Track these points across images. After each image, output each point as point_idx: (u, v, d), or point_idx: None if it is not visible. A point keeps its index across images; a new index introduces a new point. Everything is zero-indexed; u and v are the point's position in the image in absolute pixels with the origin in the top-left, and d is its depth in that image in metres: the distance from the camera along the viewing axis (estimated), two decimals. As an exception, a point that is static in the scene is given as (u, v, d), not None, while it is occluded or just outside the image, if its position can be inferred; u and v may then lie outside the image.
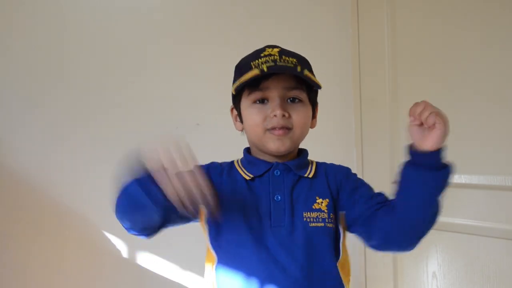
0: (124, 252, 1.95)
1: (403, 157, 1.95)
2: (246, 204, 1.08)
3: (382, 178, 1.98)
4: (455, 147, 1.64)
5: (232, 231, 1.06)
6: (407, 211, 1.01)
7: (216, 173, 1.12)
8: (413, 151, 0.99)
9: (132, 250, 1.96)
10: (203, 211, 1.08)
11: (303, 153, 1.18)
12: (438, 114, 0.93)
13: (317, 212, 1.07)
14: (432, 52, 1.95)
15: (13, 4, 1.85)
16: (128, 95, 1.99)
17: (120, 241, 1.95)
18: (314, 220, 1.07)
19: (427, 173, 0.96)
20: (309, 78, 1.05)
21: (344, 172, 1.17)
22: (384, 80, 2.13)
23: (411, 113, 0.96)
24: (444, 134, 0.94)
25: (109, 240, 1.93)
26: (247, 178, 1.11)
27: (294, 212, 1.07)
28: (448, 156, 1.77)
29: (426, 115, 0.93)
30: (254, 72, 1.03)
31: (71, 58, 1.92)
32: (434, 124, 0.92)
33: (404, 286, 2.05)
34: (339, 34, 2.27)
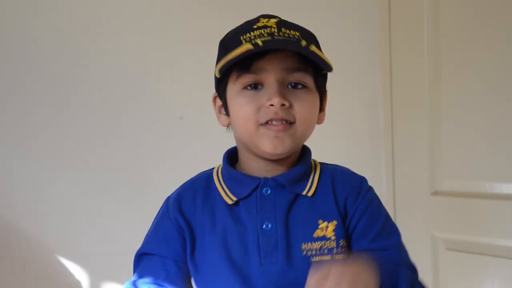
0: (85, 284, 1.82)
1: (444, 162, 1.95)
2: (228, 236, 0.95)
3: (419, 186, 1.95)
4: (505, 153, 1.72)
5: (213, 272, 0.94)
6: None
7: (188, 201, 0.99)
8: None
9: (95, 281, 1.84)
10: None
11: (304, 156, 1.02)
12: None
13: (321, 241, 0.93)
14: (482, 43, 1.79)
15: None
16: (98, 86, 1.88)
17: (79, 269, 1.81)
18: (317, 253, 0.92)
19: None
20: (317, 56, 0.89)
21: (356, 183, 1.02)
22: (423, 66, 1.94)
23: None
24: None
25: (66, 268, 1.78)
26: (229, 202, 0.96)
27: (289, 244, 0.93)
28: (503, 162, 1.75)
29: None
30: (246, 47, 0.87)
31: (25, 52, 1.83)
32: None
33: None
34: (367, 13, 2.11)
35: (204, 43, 1.70)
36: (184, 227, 0.97)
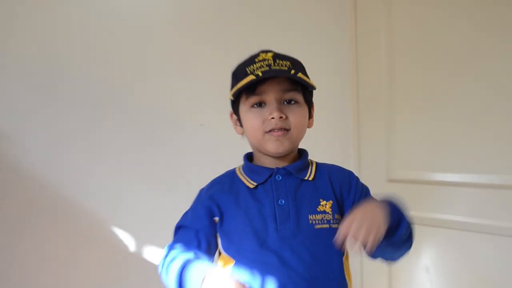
0: (132, 247, 1.96)
1: (398, 157, 2.01)
2: (250, 211, 1.09)
3: (378, 175, 2.16)
4: (448, 145, 1.88)
5: (240, 238, 1.06)
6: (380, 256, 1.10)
7: (218, 190, 1.13)
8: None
9: (139, 245, 1.98)
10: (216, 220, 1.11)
11: (303, 154, 1.18)
12: (365, 235, 0.92)
13: (322, 214, 1.08)
14: (428, 55, 1.97)
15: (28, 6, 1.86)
16: (137, 97, 2.01)
17: (127, 236, 1.96)
18: (319, 222, 1.07)
19: (383, 242, 0.98)
20: (303, 80, 1.05)
21: (347, 175, 1.18)
22: (381, 81, 2.16)
23: (339, 231, 0.95)
24: (376, 240, 0.93)
25: (117, 236, 1.94)
26: (251, 186, 1.11)
27: (299, 215, 1.07)
28: (441, 155, 1.86)
29: (353, 240, 0.93)
30: (250, 78, 1.04)
31: (81, 61, 1.93)
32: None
33: (398, 280, 2.08)
34: (337, 38, 2.30)
35: (221, 66, 1.80)
36: (214, 209, 1.10)
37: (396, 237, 1.02)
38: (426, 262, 1.97)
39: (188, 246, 1.06)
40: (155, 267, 1.83)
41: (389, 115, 2.14)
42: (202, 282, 0.91)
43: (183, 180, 2.02)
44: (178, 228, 1.14)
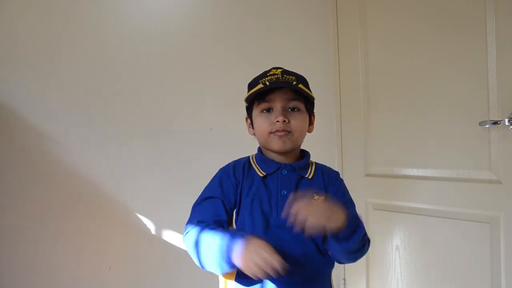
0: (153, 230, 2.03)
1: (374, 155, 2.11)
2: (261, 195, 1.15)
3: (357, 171, 2.30)
4: (414, 145, 1.96)
5: (250, 216, 1.12)
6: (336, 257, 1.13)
7: (239, 171, 1.20)
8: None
9: (159, 229, 2.04)
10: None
11: (306, 155, 1.23)
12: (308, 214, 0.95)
13: None
14: (397, 73, 2.06)
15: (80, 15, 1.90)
16: (158, 107, 2.05)
17: (149, 221, 2.02)
18: None
19: (337, 244, 1.05)
20: (303, 90, 1.11)
21: (334, 176, 1.24)
22: (359, 95, 2.26)
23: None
24: (320, 222, 0.96)
25: (140, 220, 2.00)
26: (261, 175, 1.18)
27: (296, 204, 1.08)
28: (408, 153, 1.99)
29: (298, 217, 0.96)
30: (259, 86, 1.12)
31: (113, 77, 1.97)
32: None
33: (374, 257, 2.16)
34: (324, 54, 2.41)
35: (230, 75, 2.11)
36: (237, 186, 1.17)
37: (349, 243, 1.05)
38: (397, 242, 2.07)
39: (214, 212, 1.12)
40: (172, 247, 1.97)
41: (366, 119, 2.22)
42: (237, 247, 0.96)
43: (195, 176, 2.00)
44: (205, 199, 1.17)
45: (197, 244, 1.05)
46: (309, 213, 0.95)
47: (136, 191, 2.01)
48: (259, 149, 1.24)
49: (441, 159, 1.87)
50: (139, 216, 2.02)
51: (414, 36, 1.95)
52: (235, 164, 1.23)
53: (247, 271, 0.93)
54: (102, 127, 1.95)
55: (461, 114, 1.78)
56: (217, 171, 1.26)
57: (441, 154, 1.87)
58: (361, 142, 2.25)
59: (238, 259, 0.94)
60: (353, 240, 1.05)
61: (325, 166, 1.26)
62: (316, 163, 1.24)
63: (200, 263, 1.06)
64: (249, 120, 1.25)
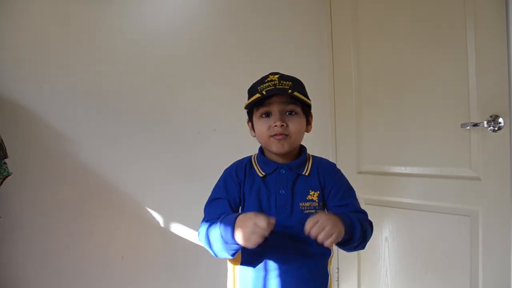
0: (162, 223, 2.13)
1: (365, 152, 2.16)
2: (261, 194, 1.19)
3: (351, 168, 2.33)
4: (402, 145, 2.01)
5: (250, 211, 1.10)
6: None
7: (241, 171, 1.24)
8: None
9: (167, 222, 2.14)
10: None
11: (302, 151, 1.25)
12: (326, 235, 0.98)
13: (310, 202, 1.18)
14: (387, 73, 2.11)
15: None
16: (166, 109, 2.14)
17: (158, 215, 2.12)
18: (308, 208, 1.18)
19: (339, 246, 1.12)
20: (298, 97, 1.14)
21: (330, 168, 1.25)
22: (352, 94, 2.32)
23: (306, 223, 1.00)
24: (334, 241, 1.00)
25: (150, 214, 2.10)
26: (261, 175, 1.21)
27: (293, 203, 1.17)
28: (397, 153, 2.03)
29: (314, 236, 0.98)
30: (257, 95, 1.14)
31: (123, 80, 2.06)
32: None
33: (366, 248, 1.73)
34: (319, 63, 2.46)
35: (232, 76, 2.19)
36: (241, 185, 1.21)
37: (350, 245, 1.12)
38: (386, 234, 2.14)
39: (224, 212, 1.16)
40: (179, 238, 2.14)
41: (358, 118, 2.28)
42: (235, 222, 1.03)
43: (200, 174, 2.14)
44: (213, 200, 1.22)
45: (207, 238, 1.13)
46: (316, 232, 1.00)
47: (147, 187, 2.11)
48: (260, 149, 1.27)
49: (426, 157, 1.92)
50: (149, 210, 2.12)
51: (403, 38, 1.99)
52: (237, 165, 1.27)
53: (246, 242, 1.00)
54: (115, 128, 2.04)
55: (444, 116, 1.83)
56: (220, 170, 1.32)
57: (426, 153, 1.92)
58: (353, 141, 2.31)
59: (236, 237, 1.02)
60: (353, 242, 1.11)
61: (321, 159, 1.28)
62: (313, 158, 1.27)
63: (214, 253, 1.13)
64: (250, 124, 1.28)
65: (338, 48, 2.38)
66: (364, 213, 1.22)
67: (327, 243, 0.98)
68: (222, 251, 1.10)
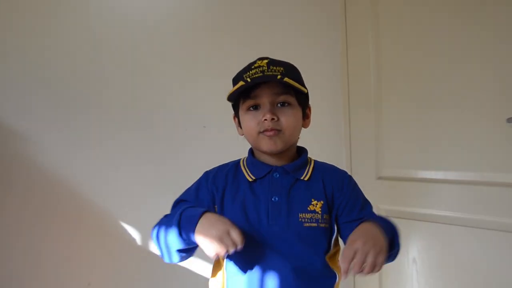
0: (139, 241, 1.99)
1: (387, 156, 2.00)
2: (247, 203, 1.10)
3: (368, 173, 2.18)
4: (432, 145, 1.90)
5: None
6: None
7: (222, 177, 1.16)
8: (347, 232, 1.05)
9: (147, 240, 1.99)
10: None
11: (302, 153, 1.18)
12: (372, 264, 0.90)
13: (312, 213, 1.08)
14: (414, 64, 1.99)
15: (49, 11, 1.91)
16: (144, 102, 2.03)
17: (135, 232, 1.98)
18: (308, 221, 1.08)
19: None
20: (290, 84, 1.05)
21: (341, 177, 1.17)
22: (370, 87, 2.19)
23: (342, 261, 0.91)
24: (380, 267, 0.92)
25: (126, 230, 1.97)
26: (250, 179, 1.13)
27: (290, 213, 1.08)
28: (426, 154, 1.94)
29: (357, 270, 0.90)
30: (240, 83, 1.06)
31: (91, 69, 1.96)
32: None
33: (387, 271, 2.10)
34: (329, 39, 2.34)
35: (224, 66, 1.90)
36: (216, 197, 1.13)
37: (391, 257, 1.05)
38: (414, 254, 2.00)
39: None
40: (160, 260, 1.80)
41: (378, 114, 2.16)
42: (201, 215, 0.99)
43: (186, 178, 1.79)
44: (179, 201, 1.17)
45: (158, 227, 1.08)
46: (360, 264, 0.89)
47: (121, 196, 1.99)
48: (250, 151, 1.19)
49: (463, 159, 1.81)
50: (123, 224, 1.99)
51: (434, 24, 1.91)
52: (218, 169, 1.19)
53: (207, 245, 0.95)
54: (82, 125, 1.94)
55: (486, 110, 1.73)
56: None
57: (463, 155, 1.81)
58: (372, 140, 2.18)
59: (197, 234, 0.97)
60: (396, 246, 1.05)
61: (328, 165, 1.20)
62: (315, 162, 1.18)
63: (159, 246, 1.07)
64: (236, 119, 1.19)
65: (354, 29, 2.27)
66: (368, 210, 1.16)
67: (376, 270, 0.89)
68: (168, 247, 1.04)
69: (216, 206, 1.13)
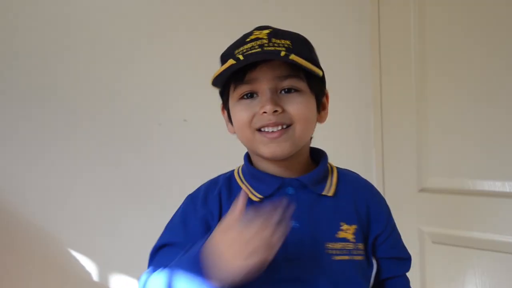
0: (96, 276, 1.89)
1: (431, 160, 2.01)
2: None
3: (407, 184, 1.99)
4: (494, 151, 1.77)
5: None
6: None
7: (213, 199, 1.01)
8: None
9: (105, 273, 1.90)
10: None
11: (320, 159, 1.04)
12: None
13: (342, 242, 0.96)
14: (469, 50, 1.84)
15: None
16: (103, 87, 1.93)
17: (91, 263, 1.88)
18: (339, 253, 0.95)
19: None
20: (296, 63, 0.91)
21: (374, 193, 1.07)
22: (410, 76, 2.00)
23: None
24: None
25: (78, 261, 1.86)
26: (255, 199, 0.97)
27: (315, 242, 0.95)
28: (491, 159, 1.82)
29: None
30: (229, 62, 0.91)
31: (29, 46, 1.87)
32: None
33: None
34: (356, 15, 2.18)
35: (209, 46, 1.78)
36: (210, 222, 0.99)
37: None
38: None
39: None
40: None
41: (420, 110, 1.97)
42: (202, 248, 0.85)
43: (162, 190, 1.93)
44: (162, 246, 1.02)
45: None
46: None
47: (71, 218, 1.89)
48: (246, 156, 1.06)
49: None
50: (75, 254, 1.88)
51: (493, 4, 1.77)
52: (206, 189, 1.05)
53: (252, 265, 0.80)
54: (22, 123, 1.87)
55: None
56: (193, 186, 1.10)
57: None
58: (413, 142, 1.98)
59: (225, 266, 0.81)
60: None
61: (353, 173, 1.10)
62: (338, 170, 1.06)
63: None
64: (226, 112, 1.07)
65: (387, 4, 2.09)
66: (408, 259, 1.07)
67: None
68: None
69: None
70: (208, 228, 0.99)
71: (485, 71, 1.79)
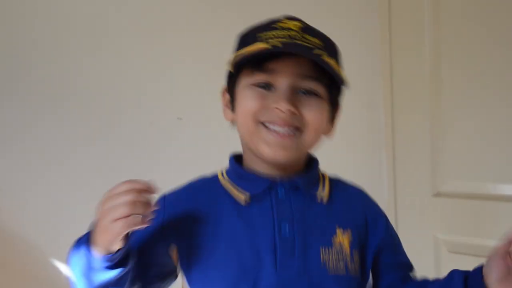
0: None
1: (446, 163, 1.94)
2: (238, 241, 0.93)
3: (420, 187, 1.92)
4: (509, 153, 1.72)
5: (221, 281, 0.90)
6: None
7: (187, 202, 0.97)
8: (476, 278, 0.88)
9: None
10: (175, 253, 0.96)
11: (311, 163, 1.02)
12: None
13: (337, 249, 0.94)
14: (489, 44, 1.77)
15: None
16: (87, 82, 1.86)
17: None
18: (334, 263, 0.92)
19: None
20: (329, 66, 0.87)
21: (372, 202, 1.05)
22: (423, 72, 1.92)
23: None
24: None
25: (60, 273, 1.77)
26: (241, 202, 0.94)
27: (307, 249, 0.92)
28: (502, 161, 1.77)
29: None
30: (261, 45, 0.87)
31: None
32: None
33: None
34: (368, 20, 2.12)
35: (203, 43, 1.90)
36: (173, 233, 0.94)
37: None
38: None
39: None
40: None
41: (434, 109, 1.90)
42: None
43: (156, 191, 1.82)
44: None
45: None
46: None
47: (54, 225, 1.81)
48: (233, 158, 1.00)
49: None
50: (59, 264, 1.79)
51: None
52: (183, 191, 0.99)
53: (110, 233, 0.75)
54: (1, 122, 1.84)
55: None
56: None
57: None
58: (426, 142, 1.90)
59: (96, 237, 0.77)
60: None
61: (343, 181, 1.07)
62: (330, 176, 1.04)
63: None
64: (228, 96, 1.00)
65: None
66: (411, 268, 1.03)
67: None
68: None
69: (174, 249, 0.94)
70: (165, 239, 0.97)
71: (504, 68, 1.73)
